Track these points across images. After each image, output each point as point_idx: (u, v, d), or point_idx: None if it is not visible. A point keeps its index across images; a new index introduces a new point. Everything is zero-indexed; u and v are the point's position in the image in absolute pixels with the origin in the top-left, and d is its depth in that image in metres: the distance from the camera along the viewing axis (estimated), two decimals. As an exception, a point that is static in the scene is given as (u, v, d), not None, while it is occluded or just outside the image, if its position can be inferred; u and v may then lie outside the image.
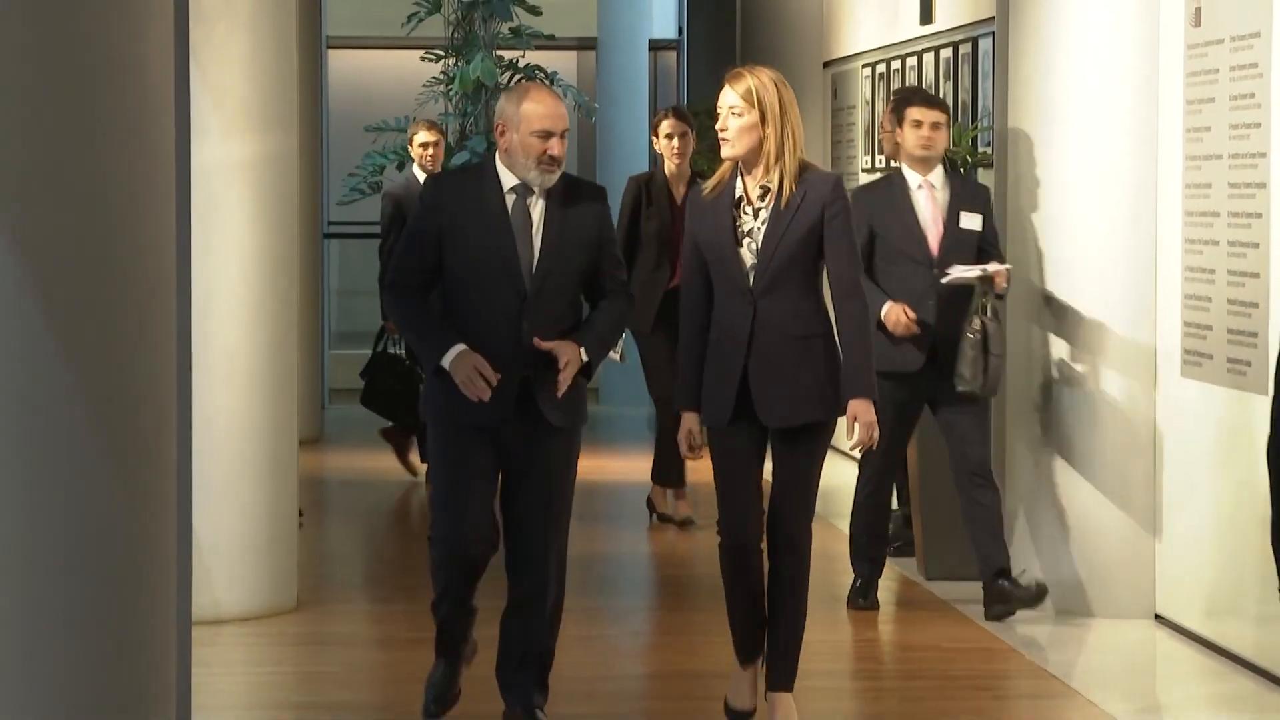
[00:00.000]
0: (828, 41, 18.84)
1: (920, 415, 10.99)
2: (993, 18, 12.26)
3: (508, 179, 7.92)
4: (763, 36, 20.09)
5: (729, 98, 8.02)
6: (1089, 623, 10.86)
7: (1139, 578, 11.01)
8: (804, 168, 8.11)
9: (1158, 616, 10.95)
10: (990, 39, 12.78)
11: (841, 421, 8.30)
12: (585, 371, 7.91)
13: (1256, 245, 9.57)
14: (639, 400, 19.08)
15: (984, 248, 10.56)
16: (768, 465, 8.32)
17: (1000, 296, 10.59)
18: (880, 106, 16.34)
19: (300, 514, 12.90)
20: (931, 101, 11.09)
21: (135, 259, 3.65)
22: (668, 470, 14.38)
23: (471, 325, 7.88)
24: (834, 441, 8.84)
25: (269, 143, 11.12)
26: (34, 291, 3.50)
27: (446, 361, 7.75)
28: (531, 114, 7.78)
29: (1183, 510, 9.90)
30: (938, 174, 10.57)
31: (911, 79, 16.12)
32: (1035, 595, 10.60)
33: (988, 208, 10.63)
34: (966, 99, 14.79)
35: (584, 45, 27.35)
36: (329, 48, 26.27)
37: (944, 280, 10.51)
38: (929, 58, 15.74)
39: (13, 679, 3.60)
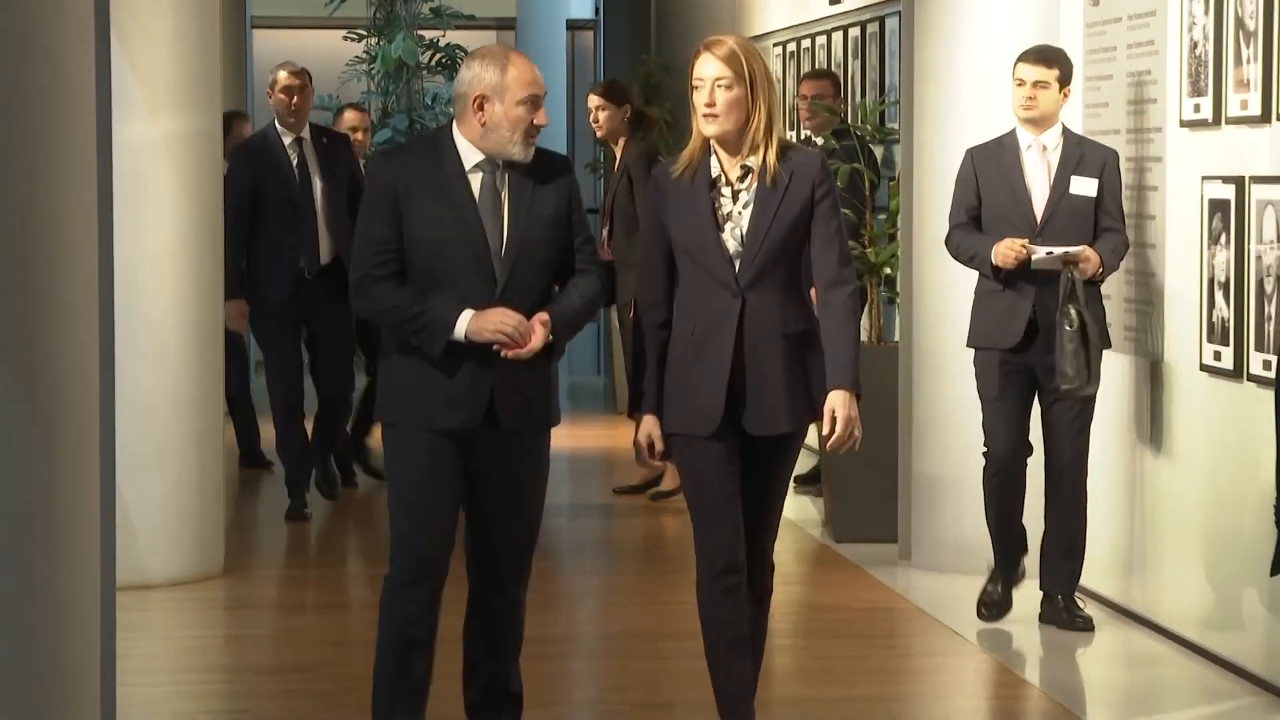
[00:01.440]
0: (740, 21, 18.83)
1: (1033, 400, 9.66)
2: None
3: (471, 155, 7.02)
4: (677, 16, 20.15)
5: (713, 68, 7.07)
6: (976, 580, 10.89)
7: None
8: (784, 145, 7.27)
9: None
10: (896, 18, 12.78)
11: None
12: (549, 352, 7.08)
13: (1153, 217, 9.70)
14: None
15: (1100, 219, 9.40)
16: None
17: (1091, 282, 9.36)
18: (790, 84, 16.34)
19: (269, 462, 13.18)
20: (1037, 57, 9.65)
21: (55, 232, 3.65)
22: None
23: None
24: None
25: (194, 120, 11.14)
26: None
27: (462, 330, 6.84)
28: (519, 80, 6.92)
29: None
30: (1052, 134, 9.48)
31: (821, 57, 16.15)
32: (1082, 626, 9.62)
33: (1109, 175, 9.44)
34: (874, 76, 14.89)
35: (503, 25, 27.28)
36: (253, 28, 26.20)
37: (1001, 264, 9.32)
38: (838, 36, 15.82)
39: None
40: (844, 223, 7.41)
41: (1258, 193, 8.87)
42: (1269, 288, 8.78)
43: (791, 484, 8.88)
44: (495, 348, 6.86)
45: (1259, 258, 8.86)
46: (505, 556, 7.24)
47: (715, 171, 7.17)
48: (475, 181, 7.02)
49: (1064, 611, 9.45)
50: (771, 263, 7.14)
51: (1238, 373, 8.83)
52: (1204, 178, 9.24)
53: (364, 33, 26.85)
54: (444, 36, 27.25)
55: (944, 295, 10.64)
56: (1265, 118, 8.88)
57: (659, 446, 7.31)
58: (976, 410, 10.67)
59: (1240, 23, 9.13)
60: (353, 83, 24.72)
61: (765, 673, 9.46)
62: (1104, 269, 9.36)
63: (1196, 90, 9.49)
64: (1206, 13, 9.44)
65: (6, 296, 3.65)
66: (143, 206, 10.79)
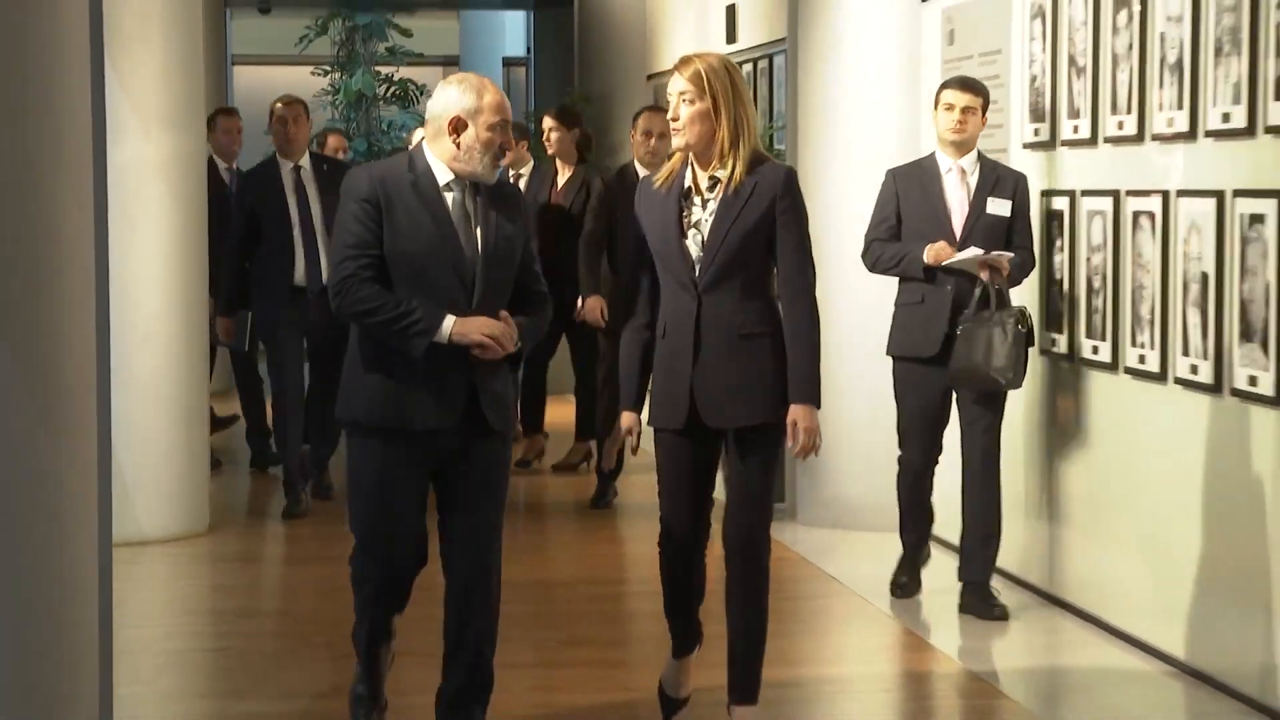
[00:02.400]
0: (650, 57, 18.83)
1: (951, 406, 9.20)
2: (784, 38, 12.29)
3: (443, 174, 6.65)
4: (596, 54, 20.09)
5: (678, 83, 6.70)
6: (868, 535, 10.93)
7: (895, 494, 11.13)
8: (759, 159, 6.79)
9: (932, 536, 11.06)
10: (783, 55, 12.78)
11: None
12: (513, 360, 6.85)
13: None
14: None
15: (1012, 237, 8.91)
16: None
17: (992, 289, 8.73)
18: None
19: (219, 461, 12.94)
20: (964, 85, 9.09)
21: (58, 238, 3.63)
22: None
23: None
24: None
25: (181, 142, 11.13)
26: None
27: (446, 333, 6.49)
28: (491, 106, 6.59)
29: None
30: (970, 159, 8.96)
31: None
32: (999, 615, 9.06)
33: (1020, 196, 8.99)
34: (764, 105, 14.90)
35: (448, 62, 27.27)
36: (234, 64, 26.15)
37: (932, 262, 8.85)
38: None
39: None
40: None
41: (1087, 204, 8.93)
42: (1096, 284, 8.84)
43: None
44: (475, 351, 6.55)
45: (1088, 260, 8.91)
46: (485, 545, 6.81)
47: (688, 182, 6.81)
48: (449, 199, 6.66)
49: (981, 601, 9.00)
50: (729, 267, 6.72)
51: (1070, 357, 8.93)
52: (1043, 192, 9.29)
53: (329, 69, 26.83)
54: (397, 72, 27.28)
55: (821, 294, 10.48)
56: (1093, 141, 8.94)
57: (634, 441, 7.01)
58: (853, 385, 10.69)
59: (1072, 59, 9.18)
60: (319, 112, 24.65)
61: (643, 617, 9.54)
62: (1011, 280, 8.86)
63: (1036, 117, 9.53)
64: (1044, 51, 9.48)
65: (16, 295, 3.63)
66: (135, 217, 10.79)
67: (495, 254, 6.63)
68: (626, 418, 6.97)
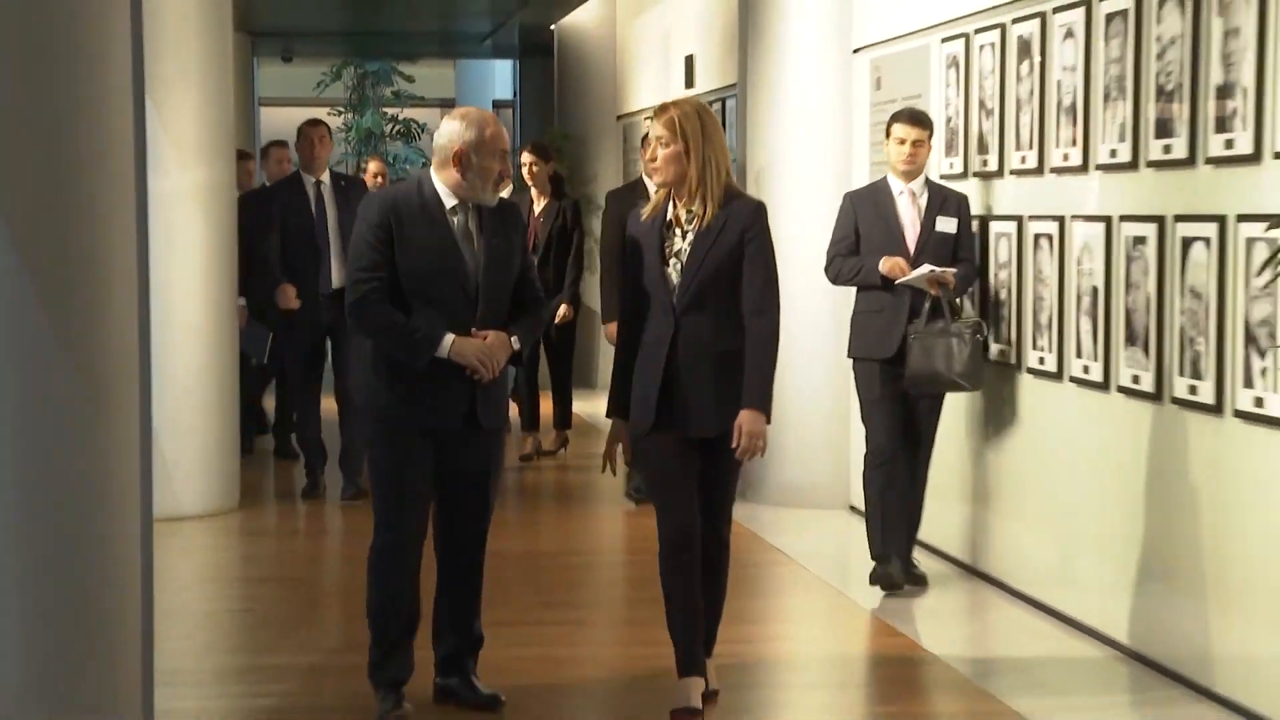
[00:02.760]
0: (620, 100, 18.83)
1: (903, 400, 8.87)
2: (735, 84, 12.30)
3: (449, 199, 6.55)
4: (573, 97, 20.09)
5: (655, 129, 6.63)
6: (802, 512, 11.00)
7: (837, 478, 11.18)
8: (732, 195, 6.66)
9: (851, 507, 11.09)
10: (735, 98, 12.80)
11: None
12: (514, 360, 6.69)
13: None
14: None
15: (957, 251, 8.70)
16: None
17: (943, 301, 8.52)
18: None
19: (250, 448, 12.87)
20: (915, 120, 8.83)
21: (106, 256, 3.63)
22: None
23: None
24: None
25: (213, 173, 11.14)
26: (32, 281, 3.49)
27: (445, 350, 6.44)
28: (494, 138, 6.55)
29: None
30: (919, 183, 8.73)
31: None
32: (920, 580, 9.00)
33: (963, 214, 8.78)
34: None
35: (445, 104, 27.28)
36: (260, 105, 26.13)
37: (896, 281, 8.59)
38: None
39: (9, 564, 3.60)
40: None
41: (995, 228, 8.95)
42: (1003, 296, 8.86)
43: None
44: (468, 371, 6.48)
45: (996, 275, 8.94)
46: (476, 533, 6.81)
47: (670, 215, 6.68)
48: (454, 221, 6.57)
49: (904, 571, 8.82)
50: (704, 293, 6.58)
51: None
52: (958, 217, 9.32)
53: (343, 109, 26.88)
54: (401, 112, 27.34)
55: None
56: (999, 173, 8.97)
57: (625, 446, 6.84)
58: (806, 375, 10.66)
59: (982, 103, 9.20)
60: (334, 147, 24.67)
61: (632, 579, 9.53)
62: (956, 291, 8.66)
63: (951, 151, 9.55)
64: (958, 95, 9.50)
65: (71, 305, 3.63)
66: (173, 237, 10.81)
67: (495, 269, 6.57)
68: (619, 425, 6.84)
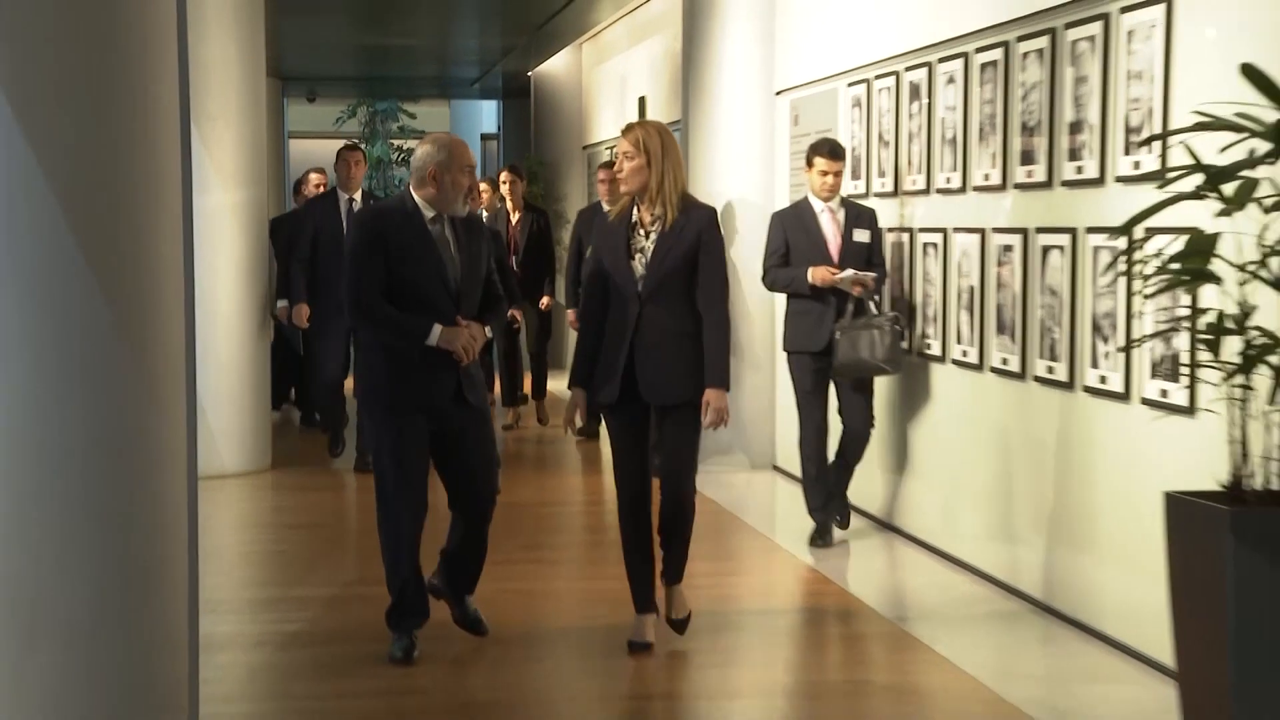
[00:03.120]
0: (585, 133, 18.83)
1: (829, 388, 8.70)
2: (680, 119, 12.30)
3: (428, 211, 6.42)
4: (547, 130, 20.09)
5: (622, 145, 6.50)
6: (737, 470, 11.04)
7: (764, 441, 11.22)
8: (690, 202, 6.51)
9: (775, 467, 11.12)
10: (679, 131, 12.77)
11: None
12: (486, 346, 6.50)
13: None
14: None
15: (870, 256, 8.49)
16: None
17: (864, 300, 8.36)
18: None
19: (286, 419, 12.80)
20: (834, 154, 8.57)
21: (157, 261, 3.61)
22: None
23: None
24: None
25: (249, 194, 11.17)
26: (98, 280, 3.50)
27: (434, 339, 6.35)
28: (461, 157, 6.44)
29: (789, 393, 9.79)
30: (835, 201, 8.45)
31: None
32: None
33: (874, 226, 8.59)
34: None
35: (443, 136, 27.22)
36: (289, 137, 26.07)
37: (818, 283, 8.41)
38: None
39: (70, 508, 3.63)
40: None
41: (890, 238, 8.96)
42: (895, 294, 8.88)
43: None
44: (453, 355, 6.38)
45: (889, 278, 8.95)
46: (485, 492, 6.66)
47: (635, 217, 6.50)
48: (434, 230, 6.44)
49: (841, 517, 8.72)
50: (664, 285, 6.42)
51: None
52: (859, 228, 9.32)
53: (358, 141, 26.80)
54: (405, 143, 27.27)
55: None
56: (895, 193, 9.00)
57: (578, 417, 6.76)
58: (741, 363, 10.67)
59: (880, 136, 9.24)
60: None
61: (593, 525, 9.51)
62: (872, 291, 8.42)
63: (855, 176, 9.58)
64: (861, 129, 9.54)
65: (129, 302, 3.62)
66: (215, 245, 10.86)
67: (470, 269, 6.49)
68: (578, 394, 6.68)
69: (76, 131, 3.50)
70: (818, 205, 8.65)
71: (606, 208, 8.97)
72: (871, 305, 8.43)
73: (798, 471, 9.37)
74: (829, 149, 8.63)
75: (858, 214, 8.69)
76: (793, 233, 8.65)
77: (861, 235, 8.63)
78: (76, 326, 3.54)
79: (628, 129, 6.55)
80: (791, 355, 8.77)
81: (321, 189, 12.93)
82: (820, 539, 8.62)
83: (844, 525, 8.85)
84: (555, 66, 20.01)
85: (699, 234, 6.41)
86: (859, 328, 8.30)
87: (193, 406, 3.98)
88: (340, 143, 12.46)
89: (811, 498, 8.70)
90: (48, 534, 3.56)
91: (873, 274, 8.45)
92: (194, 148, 5.83)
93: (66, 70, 3.48)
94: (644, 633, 6.67)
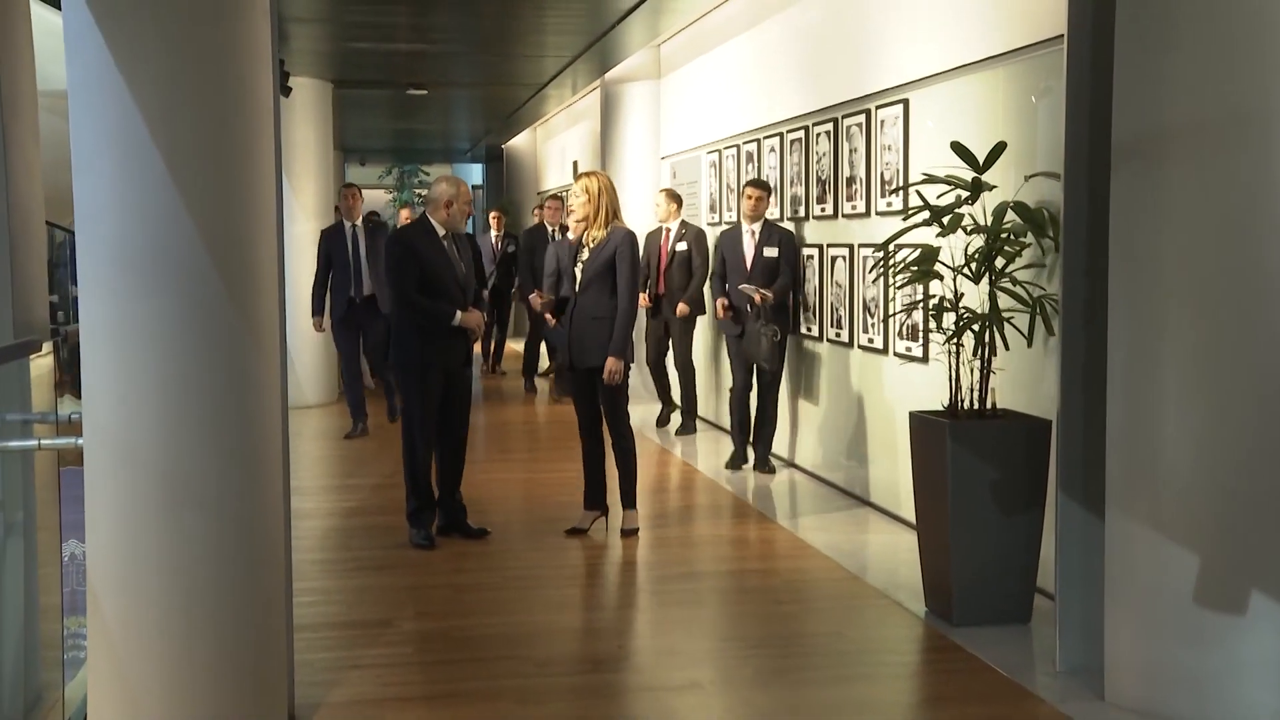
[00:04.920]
0: (538, 183, 18.69)
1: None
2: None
3: (439, 230, 6.09)
4: (514, 182, 19.93)
5: (575, 188, 6.05)
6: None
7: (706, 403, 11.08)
8: (615, 226, 6.04)
9: (700, 417, 11.03)
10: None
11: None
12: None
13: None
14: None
15: (780, 268, 7.61)
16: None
17: (763, 306, 7.48)
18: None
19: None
20: (759, 185, 7.71)
21: (260, 273, 3.55)
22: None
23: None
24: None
25: (320, 224, 10.98)
26: (222, 283, 3.43)
27: (457, 320, 6.05)
28: (465, 192, 6.12)
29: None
30: (759, 224, 7.54)
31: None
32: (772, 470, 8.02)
33: (784, 244, 7.63)
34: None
35: (447, 186, 26.87)
36: (346, 188, 25.70)
37: (729, 292, 7.74)
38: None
39: (208, 426, 3.50)
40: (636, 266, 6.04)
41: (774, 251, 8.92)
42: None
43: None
44: (469, 333, 6.11)
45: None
46: (463, 421, 6.23)
47: (582, 241, 6.06)
48: (445, 244, 6.11)
49: (761, 463, 7.86)
50: (592, 282, 5.99)
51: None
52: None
53: (393, 190, 26.47)
54: (424, 193, 26.93)
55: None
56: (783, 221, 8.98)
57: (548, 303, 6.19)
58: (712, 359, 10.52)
59: (727, 185, 9.23)
60: (387, 210, 24.37)
61: (556, 438, 9.45)
62: (778, 297, 7.57)
63: (713, 210, 9.58)
64: (716, 182, 9.52)
65: (246, 303, 3.56)
66: (298, 257, 10.69)
67: (468, 273, 6.26)
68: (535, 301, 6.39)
69: (211, 186, 3.46)
70: (745, 228, 7.86)
71: (549, 227, 8.63)
72: (773, 309, 7.64)
73: (711, 415, 9.22)
74: (758, 183, 7.89)
75: (770, 233, 7.83)
76: (726, 250, 7.91)
77: (771, 251, 7.79)
78: (211, 312, 3.49)
79: (580, 176, 6.10)
80: (727, 337, 8.12)
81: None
82: (734, 464, 8.05)
83: (769, 469, 8.03)
84: (519, 141, 19.84)
85: (615, 248, 6.00)
86: (757, 329, 7.51)
87: (284, 360, 3.93)
88: (380, 192, 12.24)
89: (735, 438, 8.02)
90: (197, 438, 3.49)
91: (763, 290, 7.49)
92: (285, 194, 5.75)
93: (205, 143, 3.44)
94: (582, 521, 6.32)
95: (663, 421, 9.51)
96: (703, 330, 9.57)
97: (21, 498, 3.57)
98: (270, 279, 3.63)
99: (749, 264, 7.71)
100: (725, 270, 7.84)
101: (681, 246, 8.96)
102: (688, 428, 9.18)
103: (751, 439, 7.90)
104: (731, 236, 7.84)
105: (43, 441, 3.54)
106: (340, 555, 5.99)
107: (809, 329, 7.81)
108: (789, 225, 7.95)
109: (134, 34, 3.30)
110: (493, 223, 12.80)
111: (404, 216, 14.52)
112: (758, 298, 7.40)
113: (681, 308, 8.89)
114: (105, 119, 3.32)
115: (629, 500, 6.24)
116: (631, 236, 6.06)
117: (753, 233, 7.84)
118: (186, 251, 3.37)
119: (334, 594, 5.33)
